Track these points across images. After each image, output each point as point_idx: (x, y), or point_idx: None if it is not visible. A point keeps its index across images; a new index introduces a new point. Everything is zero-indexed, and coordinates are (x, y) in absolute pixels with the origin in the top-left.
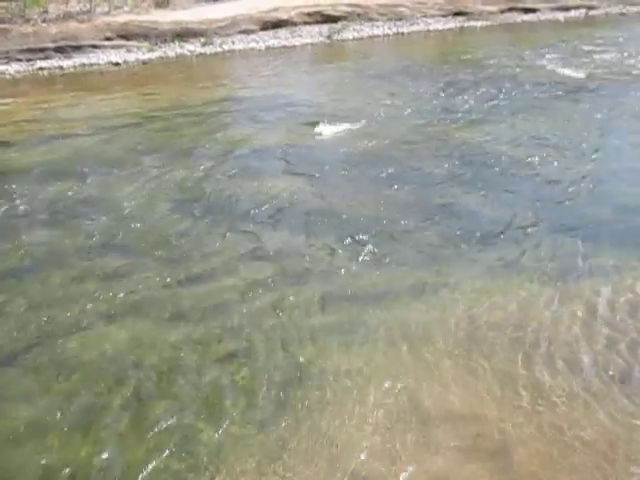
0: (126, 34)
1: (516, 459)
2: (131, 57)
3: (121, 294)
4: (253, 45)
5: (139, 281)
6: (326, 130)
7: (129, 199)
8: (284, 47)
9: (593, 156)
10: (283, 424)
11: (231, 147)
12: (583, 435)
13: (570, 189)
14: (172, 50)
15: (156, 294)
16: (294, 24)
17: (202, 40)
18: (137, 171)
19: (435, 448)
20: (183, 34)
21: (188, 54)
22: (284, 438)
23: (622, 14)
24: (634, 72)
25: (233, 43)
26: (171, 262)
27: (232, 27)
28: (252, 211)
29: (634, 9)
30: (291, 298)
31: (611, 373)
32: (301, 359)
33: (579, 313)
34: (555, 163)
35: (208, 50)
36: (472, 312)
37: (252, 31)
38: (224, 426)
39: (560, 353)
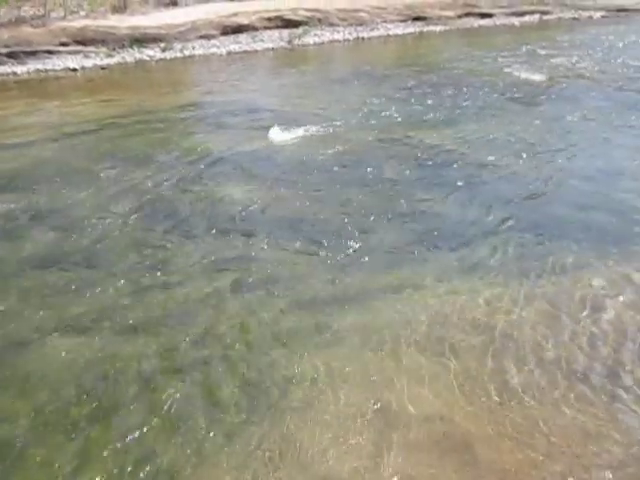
0: (83, 39)
1: (481, 456)
2: (89, 63)
3: (76, 306)
4: (214, 50)
5: (95, 292)
6: (287, 135)
7: (85, 208)
8: (245, 52)
9: (554, 157)
10: (251, 432)
11: (192, 153)
12: (547, 430)
13: (532, 189)
14: (131, 56)
15: (114, 305)
16: (255, 29)
17: (162, 45)
18: (94, 179)
19: (403, 448)
20: (142, 39)
21: (148, 59)
22: (252, 446)
23: (574, 19)
24: (588, 74)
25: (193, 48)
26: (129, 272)
27: (192, 32)
28: (213, 218)
29: (586, 14)
30: (256, 304)
31: (574, 368)
32: (268, 365)
33: (542, 311)
34: (517, 164)
35: (168, 55)
36: (439, 312)
37: (212, 36)
38: (189, 437)
39: (525, 350)
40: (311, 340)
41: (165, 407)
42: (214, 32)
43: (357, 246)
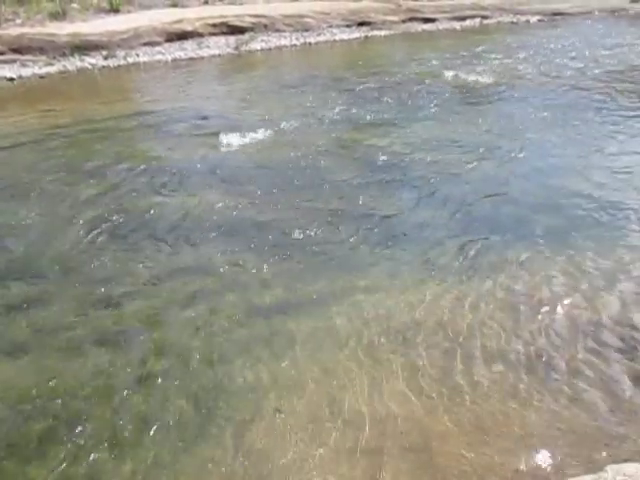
0: (19, 48)
1: (437, 454)
2: (27, 72)
3: (17, 325)
4: (159, 57)
5: (38, 310)
6: (236, 141)
7: (27, 224)
8: (191, 59)
9: (502, 156)
10: (207, 445)
11: (139, 163)
12: (501, 427)
13: (480, 189)
14: (72, 64)
15: (57, 324)
16: (200, 35)
17: (104, 53)
18: (36, 193)
19: (359, 450)
20: (83, 47)
21: (90, 68)
22: (209, 459)
23: (513, 23)
24: (529, 76)
25: (138, 55)
26: (73, 288)
27: (135, 39)
28: (162, 228)
29: (523, 18)
30: (207, 315)
31: (530, 363)
32: (222, 377)
33: (498, 307)
34: (465, 165)
35: (111, 63)
36: (395, 313)
37: (157, 43)
38: (144, 454)
39: (481, 347)
40: (266, 348)
41: (111, 427)
42: (158, 39)
43: (310, 250)
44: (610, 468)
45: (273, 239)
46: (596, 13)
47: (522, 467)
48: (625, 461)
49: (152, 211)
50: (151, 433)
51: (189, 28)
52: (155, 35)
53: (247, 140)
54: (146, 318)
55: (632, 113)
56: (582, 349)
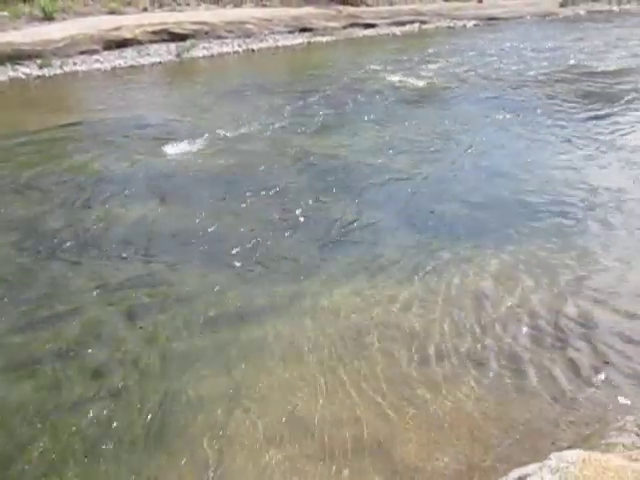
0: None
1: (398, 456)
2: None
3: None
4: (97, 66)
5: None
6: (179, 150)
7: None
8: (131, 67)
9: (444, 157)
10: (159, 461)
11: (80, 174)
12: (451, 423)
13: (426, 190)
14: (4, 74)
15: (3, 341)
16: (140, 43)
17: (39, 62)
18: None
19: (316, 458)
20: (16, 56)
21: (24, 77)
22: (161, 475)
23: (450, 27)
24: (467, 79)
25: (75, 64)
26: (16, 306)
27: (72, 47)
28: (106, 241)
29: (460, 23)
30: (156, 328)
31: (479, 359)
32: (174, 391)
33: (445, 305)
34: (410, 167)
35: (47, 72)
36: (345, 316)
37: (95, 51)
38: (95, 470)
39: (431, 346)
40: (215, 359)
41: (59, 444)
42: (96, 47)
43: (260, 258)
44: (554, 456)
45: (218, 248)
46: (528, 17)
47: (472, 460)
48: (568, 448)
49: (92, 224)
50: (101, 449)
51: (128, 35)
52: (92, 43)
53: (190, 149)
54: (91, 333)
55: (568, 111)
56: (523, 342)
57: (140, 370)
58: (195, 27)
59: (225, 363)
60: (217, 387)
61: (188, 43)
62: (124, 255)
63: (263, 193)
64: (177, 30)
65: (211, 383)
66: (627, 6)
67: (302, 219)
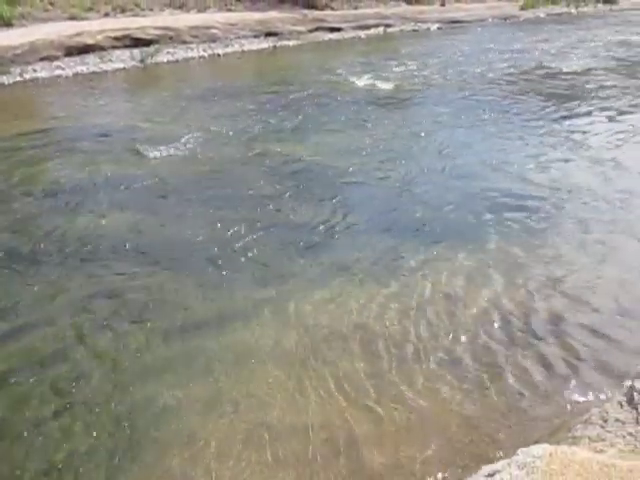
0: None
1: (366, 458)
2: None
3: None
4: (59, 72)
5: None
6: (147, 156)
7: None
8: (94, 73)
9: (411, 160)
10: (132, 474)
11: (40, 184)
12: (421, 424)
13: (392, 191)
14: None
15: None
16: (102, 49)
17: None
18: None
19: (286, 462)
20: None
21: None
22: None
23: (414, 30)
24: (432, 81)
25: (35, 71)
26: None
27: (31, 54)
28: (74, 252)
29: (424, 26)
30: (122, 339)
31: (449, 360)
32: (141, 403)
33: (413, 308)
34: (378, 169)
35: (6, 80)
36: (313, 320)
37: (56, 57)
38: None
39: (399, 348)
40: (184, 370)
41: (23, 466)
42: (57, 53)
43: (229, 264)
44: (521, 451)
45: (187, 255)
46: (490, 20)
47: (443, 459)
48: (536, 443)
49: (57, 233)
50: (73, 462)
51: (90, 41)
52: (53, 49)
53: (157, 155)
54: (59, 344)
55: (534, 111)
56: (492, 340)
57: (108, 381)
58: (159, 32)
59: (195, 372)
60: (189, 396)
61: (152, 48)
62: (88, 264)
63: (232, 198)
64: (140, 35)
65: (180, 391)
66: (584, 9)
67: (272, 224)
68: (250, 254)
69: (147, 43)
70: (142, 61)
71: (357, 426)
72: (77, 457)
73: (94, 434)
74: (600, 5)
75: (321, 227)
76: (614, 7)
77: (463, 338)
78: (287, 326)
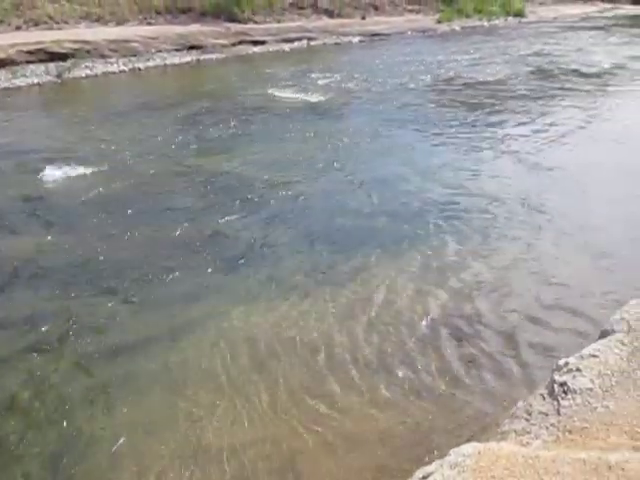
0: None
1: (302, 471)
2: None
3: None
4: None
5: None
6: (64, 175)
7: None
8: (6, 89)
9: (337, 171)
10: None
11: None
12: (359, 432)
13: (318, 203)
14: None
15: None
16: (15, 63)
17: None
18: None
19: None
20: None
21: None
22: None
23: (337, 44)
24: (356, 93)
25: None
26: None
27: None
28: None
29: (346, 39)
30: (46, 365)
31: (377, 366)
32: (69, 431)
33: (350, 317)
34: (304, 181)
35: None
36: (248, 336)
37: None
38: None
39: (338, 359)
40: (114, 395)
41: None
42: None
43: (158, 283)
44: (452, 451)
45: (111, 275)
46: (409, 33)
47: (380, 464)
48: (467, 441)
49: None
50: None
51: (1, 55)
52: None
53: (75, 173)
54: None
55: (453, 119)
56: (420, 344)
57: (30, 412)
58: (76, 46)
59: (122, 398)
60: (113, 424)
61: (69, 63)
62: (6, 289)
63: (156, 215)
64: (56, 49)
65: (108, 420)
66: (496, 22)
67: (199, 240)
68: (174, 271)
69: (63, 57)
70: (59, 76)
71: (292, 440)
72: None
73: (14, 469)
74: (510, 18)
75: (251, 240)
76: (523, 20)
77: (389, 345)
78: (220, 343)
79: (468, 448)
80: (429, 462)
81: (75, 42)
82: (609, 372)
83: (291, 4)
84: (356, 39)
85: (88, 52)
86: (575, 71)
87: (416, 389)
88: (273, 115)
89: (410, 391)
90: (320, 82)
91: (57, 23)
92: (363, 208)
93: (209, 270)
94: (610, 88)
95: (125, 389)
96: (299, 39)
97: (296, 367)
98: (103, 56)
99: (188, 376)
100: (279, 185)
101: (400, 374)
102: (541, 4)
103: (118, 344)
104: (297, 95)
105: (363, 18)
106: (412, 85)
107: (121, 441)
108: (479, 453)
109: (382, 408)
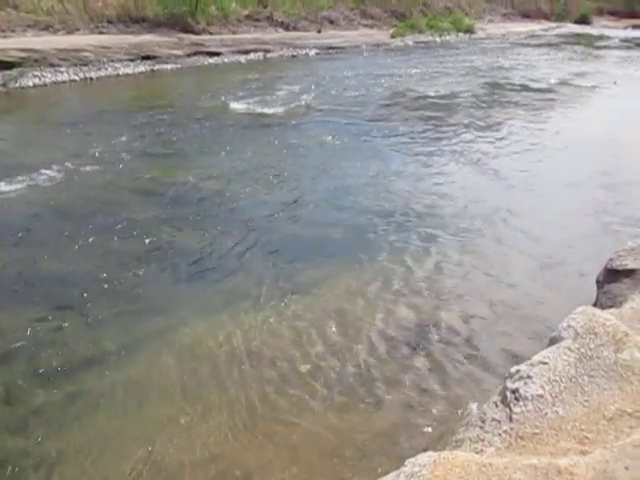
0: None
1: None
2: None
3: None
4: None
5: None
6: (8, 188)
7: None
8: None
9: (295, 182)
10: None
11: None
12: (322, 444)
13: (278, 214)
14: None
15: None
16: None
17: None
18: None
19: None
20: None
21: None
22: None
23: (294, 56)
24: (313, 105)
25: None
26: None
27: None
28: None
29: (302, 52)
30: None
31: (340, 378)
32: (19, 453)
33: (310, 327)
34: (262, 192)
35: None
36: (205, 349)
37: None
38: None
39: (292, 370)
40: (65, 413)
41: None
42: None
43: (112, 297)
44: (408, 461)
45: (61, 290)
46: (364, 47)
47: (338, 478)
48: (423, 451)
49: None
50: None
51: None
52: None
53: (22, 186)
54: None
55: (408, 131)
56: (377, 354)
57: None
58: (23, 54)
59: (76, 416)
60: (64, 444)
61: (15, 72)
62: None
63: (108, 227)
64: (1, 58)
65: (57, 441)
66: (447, 37)
67: (155, 252)
68: (130, 285)
69: (9, 66)
70: (4, 85)
71: (249, 455)
72: None
73: None
74: (461, 34)
75: (207, 252)
76: (473, 36)
77: (348, 354)
78: (177, 356)
79: (424, 458)
80: (385, 473)
81: (22, 50)
82: (558, 378)
83: (247, 16)
84: (312, 52)
85: (36, 61)
86: (524, 86)
87: (374, 401)
88: (229, 126)
89: (368, 401)
90: (277, 94)
91: (3, 31)
92: (323, 218)
93: (165, 283)
94: (556, 102)
95: (73, 410)
96: (255, 51)
97: (255, 381)
98: (52, 65)
99: (142, 393)
100: (235, 196)
101: (359, 385)
102: (490, 21)
103: (68, 362)
104: (254, 107)
105: (319, 32)
106: (368, 98)
107: (66, 466)
108: (434, 462)
109: (339, 420)
